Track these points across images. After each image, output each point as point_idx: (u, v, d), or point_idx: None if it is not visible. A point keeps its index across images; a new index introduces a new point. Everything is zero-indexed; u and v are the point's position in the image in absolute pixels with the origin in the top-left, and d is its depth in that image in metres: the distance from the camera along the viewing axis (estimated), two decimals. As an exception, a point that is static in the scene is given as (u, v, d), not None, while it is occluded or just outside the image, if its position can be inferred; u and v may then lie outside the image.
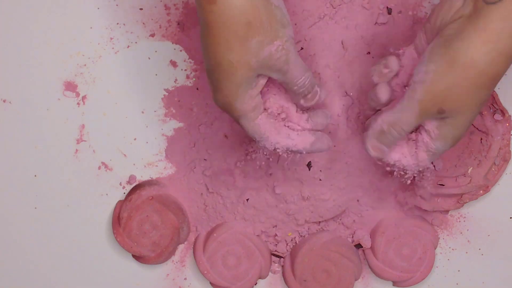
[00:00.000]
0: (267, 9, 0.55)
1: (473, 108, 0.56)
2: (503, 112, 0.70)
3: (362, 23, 0.69)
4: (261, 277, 0.71)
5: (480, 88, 0.55)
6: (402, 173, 0.61)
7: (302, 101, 0.61)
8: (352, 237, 0.72)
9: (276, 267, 0.72)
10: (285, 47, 0.56)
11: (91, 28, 0.70)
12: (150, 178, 0.71)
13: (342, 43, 0.69)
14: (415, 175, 0.62)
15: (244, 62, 0.55)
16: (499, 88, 0.71)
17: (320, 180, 0.69)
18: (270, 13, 0.55)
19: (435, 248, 0.71)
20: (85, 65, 0.71)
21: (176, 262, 0.72)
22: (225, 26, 0.54)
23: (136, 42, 0.71)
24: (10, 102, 0.71)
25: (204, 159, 0.70)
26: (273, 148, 0.60)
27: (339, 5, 0.69)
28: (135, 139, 0.71)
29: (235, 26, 0.54)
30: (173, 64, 0.71)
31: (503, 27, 0.53)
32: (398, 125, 0.58)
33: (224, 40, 0.55)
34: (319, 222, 0.71)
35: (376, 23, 0.68)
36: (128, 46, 0.71)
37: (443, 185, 0.70)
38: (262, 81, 0.58)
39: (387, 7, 0.68)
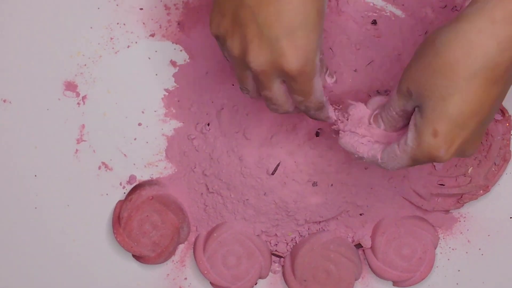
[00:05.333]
0: None
1: (437, 100, 0.54)
2: (503, 112, 0.70)
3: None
4: (261, 277, 0.71)
5: (442, 76, 0.53)
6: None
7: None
8: (352, 237, 0.72)
9: (276, 267, 0.72)
10: None
11: (91, 28, 0.70)
12: (150, 178, 0.71)
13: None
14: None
15: (323, 7, 0.55)
16: (499, 88, 0.71)
17: (316, 185, 0.69)
18: None
19: (435, 248, 0.71)
20: (85, 65, 0.71)
21: (176, 262, 0.72)
22: None
23: (136, 42, 0.71)
24: (10, 102, 0.71)
25: (202, 159, 0.70)
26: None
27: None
28: (135, 139, 0.71)
29: None
30: (173, 64, 0.71)
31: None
32: (386, 105, 0.59)
33: None
34: (319, 222, 0.71)
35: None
36: (128, 46, 0.71)
37: (443, 185, 0.70)
38: None
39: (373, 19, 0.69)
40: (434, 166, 0.70)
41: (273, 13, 0.53)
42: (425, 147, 0.55)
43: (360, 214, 0.71)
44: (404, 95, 0.57)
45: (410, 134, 0.56)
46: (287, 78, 0.56)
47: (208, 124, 0.70)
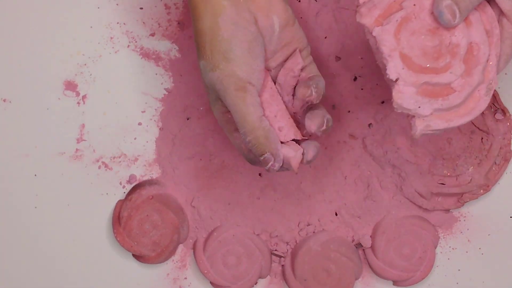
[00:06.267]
0: (210, 37, 0.56)
1: None
2: (504, 111, 0.70)
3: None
4: (261, 276, 0.71)
5: None
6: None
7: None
8: (352, 236, 0.71)
9: (276, 266, 0.72)
10: (224, 83, 0.56)
11: (91, 27, 0.70)
12: (150, 178, 0.71)
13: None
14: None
15: (201, 78, 0.58)
16: (499, 88, 0.71)
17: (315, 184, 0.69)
18: (212, 41, 0.56)
19: (435, 248, 0.71)
20: (85, 64, 0.71)
21: (176, 262, 0.72)
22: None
23: (136, 42, 0.71)
24: (10, 102, 0.71)
25: (201, 159, 0.70)
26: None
27: None
28: (135, 138, 0.71)
29: (196, 45, 0.57)
30: (172, 62, 0.71)
31: None
32: None
33: None
34: (319, 221, 0.71)
35: None
36: (128, 46, 0.71)
37: (444, 184, 0.70)
38: None
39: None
40: (434, 165, 0.70)
41: None
42: None
43: (360, 214, 0.71)
44: None
45: None
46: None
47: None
